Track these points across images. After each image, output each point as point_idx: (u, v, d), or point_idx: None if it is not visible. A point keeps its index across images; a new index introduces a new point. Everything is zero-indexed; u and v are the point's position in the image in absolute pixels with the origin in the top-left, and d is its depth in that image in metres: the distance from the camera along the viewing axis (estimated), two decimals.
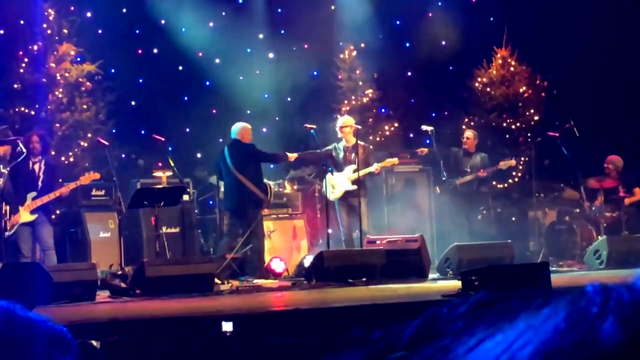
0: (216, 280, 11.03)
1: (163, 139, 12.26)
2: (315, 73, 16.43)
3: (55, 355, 1.63)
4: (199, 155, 15.56)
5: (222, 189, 13.13)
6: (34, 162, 11.33)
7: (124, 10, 15.02)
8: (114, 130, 13.95)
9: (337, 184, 12.82)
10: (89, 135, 13.42)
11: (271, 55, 16.08)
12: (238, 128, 12.55)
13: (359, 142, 12.88)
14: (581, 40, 15.56)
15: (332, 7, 16.16)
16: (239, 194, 12.22)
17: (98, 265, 10.85)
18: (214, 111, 15.89)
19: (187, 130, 15.76)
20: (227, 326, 6.88)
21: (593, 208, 13.81)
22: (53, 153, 13.07)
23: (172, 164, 12.10)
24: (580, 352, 0.98)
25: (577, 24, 15.71)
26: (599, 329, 0.99)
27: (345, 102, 15.94)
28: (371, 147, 13.43)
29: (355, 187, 12.65)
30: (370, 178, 13.24)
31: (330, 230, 12.63)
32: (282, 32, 16.25)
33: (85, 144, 13.39)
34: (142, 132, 14.84)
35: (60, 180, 12.36)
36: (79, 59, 13.64)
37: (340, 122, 13.05)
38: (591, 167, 14.09)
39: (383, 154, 14.88)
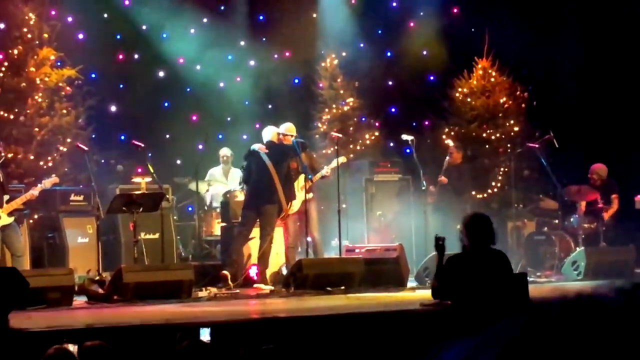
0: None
1: (143, 145, 12.20)
2: (296, 81, 16.43)
3: None
4: (178, 161, 15.52)
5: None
6: None
7: (105, 16, 14.98)
8: (93, 136, 13.88)
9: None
10: (68, 140, 13.33)
11: (252, 62, 16.08)
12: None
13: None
14: (562, 52, 15.64)
15: (314, 16, 16.18)
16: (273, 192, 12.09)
17: (76, 271, 10.78)
18: (194, 117, 15.88)
19: (167, 136, 15.73)
20: (205, 334, 6.86)
21: (572, 219, 13.84)
22: (32, 157, 13.02)
23: (152, 170, 12.07)
24: None
25: (557, 36, 15.79)
26: None
27: (326, 110, 15.93)
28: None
29: (311, 194, 12.56)
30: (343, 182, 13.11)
31: (309, 239, 12.60)
32: (264, 39, 16.25)
33: (65, 149, 13.30)
34: (122, 137, 14.80)
35: (26, 182, 12.31)
36: (59, 64, 13.57)
37: (283, 129, 12.38)
38: (570, 178, 14.13)
39: (363, 162, 14.91)
